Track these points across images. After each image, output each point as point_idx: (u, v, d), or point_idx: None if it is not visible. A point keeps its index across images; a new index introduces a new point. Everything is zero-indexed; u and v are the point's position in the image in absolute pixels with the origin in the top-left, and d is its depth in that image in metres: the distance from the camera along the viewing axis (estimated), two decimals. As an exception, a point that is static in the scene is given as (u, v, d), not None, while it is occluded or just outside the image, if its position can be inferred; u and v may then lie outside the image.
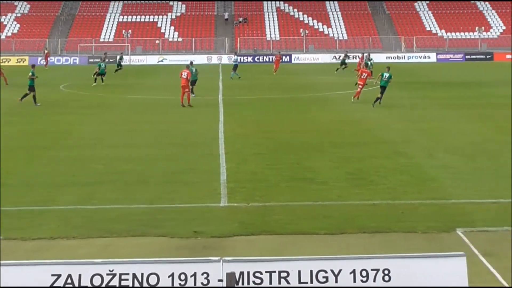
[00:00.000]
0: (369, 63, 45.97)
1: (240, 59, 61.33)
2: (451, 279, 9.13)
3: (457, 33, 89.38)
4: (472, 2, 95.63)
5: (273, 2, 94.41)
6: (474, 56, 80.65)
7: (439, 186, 16.92)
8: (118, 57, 59.45)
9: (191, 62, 37.57)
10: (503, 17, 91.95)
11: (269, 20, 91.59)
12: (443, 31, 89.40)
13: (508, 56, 79.81)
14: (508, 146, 21.96)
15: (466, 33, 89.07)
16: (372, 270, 9.03)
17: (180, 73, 33.81)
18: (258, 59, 78.77)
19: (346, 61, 59.01)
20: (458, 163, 19.63)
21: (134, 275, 8.37)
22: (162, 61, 77.09)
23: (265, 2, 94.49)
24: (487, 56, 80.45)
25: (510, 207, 14.83)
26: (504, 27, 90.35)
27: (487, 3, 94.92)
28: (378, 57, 74.96)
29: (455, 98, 37.08)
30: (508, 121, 27.46)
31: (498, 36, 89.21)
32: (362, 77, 35.59)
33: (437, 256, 9.36)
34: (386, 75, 33.66)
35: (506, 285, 10.54)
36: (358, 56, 59.06)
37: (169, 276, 8.39)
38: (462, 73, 57.50)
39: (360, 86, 35.17)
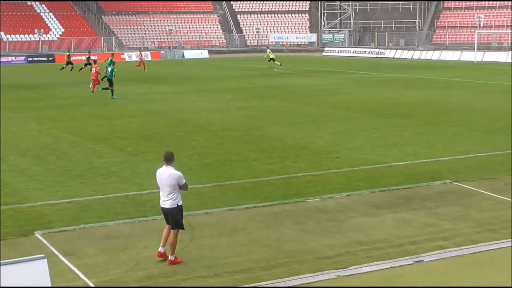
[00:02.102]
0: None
1: None
2: (34, 283, 9.02)
3: (18, 36, 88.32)
4: (29, 4, 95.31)
5: None
6: (36, 59, 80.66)
7: (13, 191, 16.53)
8: None
9: None
10: (61, 20, 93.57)
11: None
12: (2, 33, 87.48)
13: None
14: (78, 145, 22.64)
15: (27, 36, 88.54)
16: None
17: None
18: None
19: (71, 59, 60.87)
20: (31, 166, 19.44)
21: None
22: None
23: None
24: (49, 58, 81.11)
25: (84, 205, 15.23)
26: (63, 30, 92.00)
27: (44, 5, 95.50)
28: None
29: (22, 101, 36.66)
30: (73, 121, 28.23)
31: (58, 38, 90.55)
32: (93, 71, 40.66)
33: (18, 262, 9.16)
34: (109, 68, 38.50)
35: (87, 280, 10.76)
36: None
37: None
38: (25, 76, 56.99)
39: (92, 79, 40.45)
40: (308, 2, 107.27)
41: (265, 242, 12.63)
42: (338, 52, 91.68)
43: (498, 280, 10.68)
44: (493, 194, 15.89)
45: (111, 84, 38.11)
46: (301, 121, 28.08)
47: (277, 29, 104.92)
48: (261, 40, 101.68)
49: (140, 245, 12.48)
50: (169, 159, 11.40)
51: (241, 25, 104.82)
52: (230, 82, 48.16)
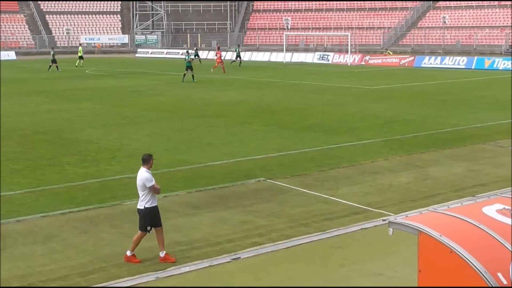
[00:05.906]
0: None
1: None
2: None
3: None
4: None
5: None
6: None
7: None
8: None
9: None
10: None
11: None
12: None
13: None
14: None
15: None
16: None
17: None
18: None
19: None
20: None
21: None
22: None
23: None
24: None
25: None
26: None
27: None
28: None
29: None
30: None
31: None
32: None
33: None
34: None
35: None
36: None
37: None
38: None
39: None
40: (120, 2, 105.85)
41: (82, 248, 12.36)
42: (151, 53, 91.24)
43: (310, 271, 11.15)
44: (304, 190, 16.58)
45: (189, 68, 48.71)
46: (116, 123, 27.71)
47: (88, 30, 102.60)
48: (72, 41, 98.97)
49: None
50: (144, 161, 11.94)
51: (50, 26, 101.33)
52: (41, 85, 46.43)
